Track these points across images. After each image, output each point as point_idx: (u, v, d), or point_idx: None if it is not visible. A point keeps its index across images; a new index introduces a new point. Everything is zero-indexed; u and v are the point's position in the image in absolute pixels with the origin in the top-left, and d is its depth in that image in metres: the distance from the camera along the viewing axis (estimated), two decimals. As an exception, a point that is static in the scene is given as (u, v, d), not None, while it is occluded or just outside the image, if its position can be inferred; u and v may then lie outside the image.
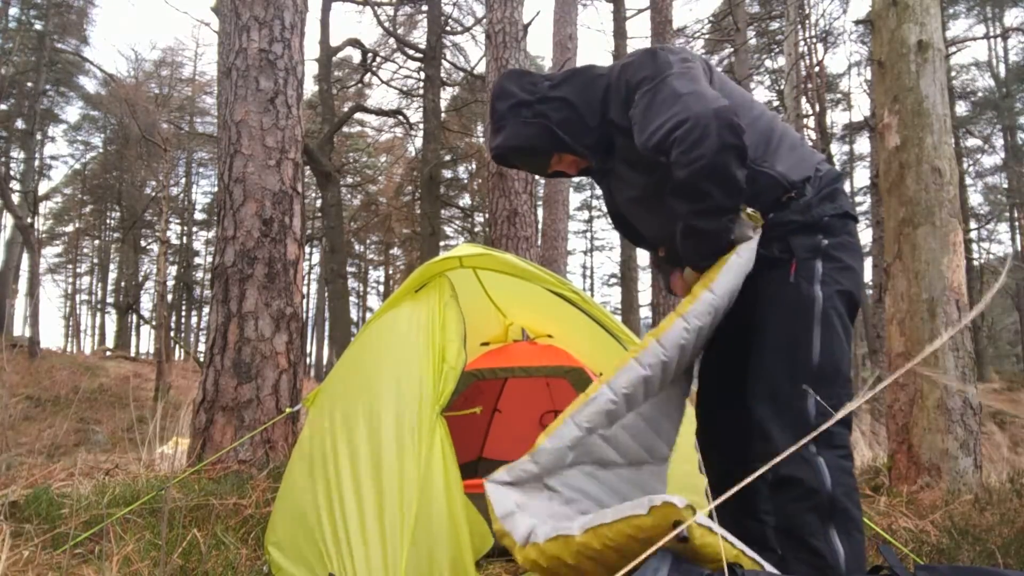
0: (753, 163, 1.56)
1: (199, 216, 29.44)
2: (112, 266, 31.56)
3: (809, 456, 1.47)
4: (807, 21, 11.77)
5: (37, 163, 21.08)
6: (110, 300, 30.95)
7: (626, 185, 1.79)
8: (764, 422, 1.51)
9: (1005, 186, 20.07)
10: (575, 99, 1.75)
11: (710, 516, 1.06)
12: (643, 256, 19.86)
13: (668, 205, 1.64)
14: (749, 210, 1.57)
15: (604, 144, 1.77)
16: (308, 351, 28.80)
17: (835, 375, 1.53)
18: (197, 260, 29.85)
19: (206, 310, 28.55)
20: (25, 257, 19.95)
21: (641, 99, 1.60)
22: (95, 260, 32.12)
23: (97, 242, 31.42)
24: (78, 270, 32.63)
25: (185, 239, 29.32)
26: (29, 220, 16.75)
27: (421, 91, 16.64)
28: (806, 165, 1.63)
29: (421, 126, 16.21)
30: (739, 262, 1.54)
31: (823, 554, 1.42)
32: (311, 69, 19.56)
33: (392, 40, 17.14)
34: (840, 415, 1.05)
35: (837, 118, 23.37)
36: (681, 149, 1.46)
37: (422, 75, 16.12)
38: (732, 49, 15.48)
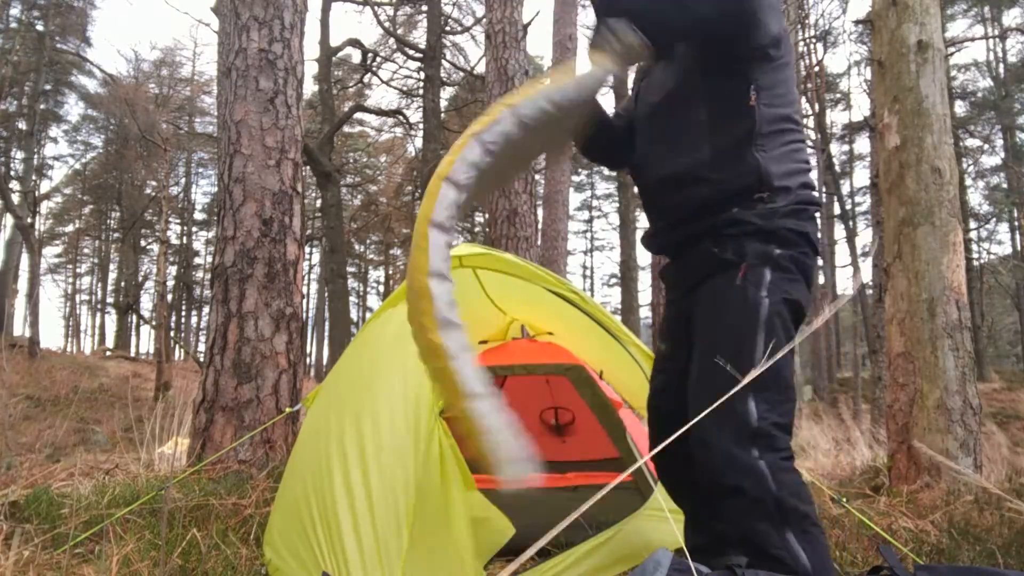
0: (754, 142, 1.54)
1: (199, 216, 29.50)
2: (112, 266, 31.61)
3: (751, 461, 1.43)
4: (807, 21, 11.77)
5: (37, 163, 21.10)
6: (110, 300, 30.99)
7: (654, 87, 1.75)
8: (704, 429, 1.42)
9: (1005, 186, 20.08)
10: None
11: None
12: (643, 256, 19.86)
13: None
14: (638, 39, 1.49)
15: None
16: (308, 351, 28.81)
17: (776, 381, 1.49)
18: (197, 260, 29.90)
19: (206, 310, 28.57)
20: (25, 257, 19.94)
21: None
22: (95, 260, 32.16)
23: (97, 242, 31.46)
24: (78, 270, 32.70)
25: (185, 239, 29.36)
26: (29, 220, 16.76)
27: (421, 91, 16.64)
28: (793, 177, 1.58)
29: (421, 126, 16.22)
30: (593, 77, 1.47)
31: (786, 562, 1.38)
32: (311, 69, 19.57)
33: (392, 40, 17.16)
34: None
35: (837, 118, 23.45)
36: None
37: (422, 75, 16.13)
38: (732, 49, 15.43)
